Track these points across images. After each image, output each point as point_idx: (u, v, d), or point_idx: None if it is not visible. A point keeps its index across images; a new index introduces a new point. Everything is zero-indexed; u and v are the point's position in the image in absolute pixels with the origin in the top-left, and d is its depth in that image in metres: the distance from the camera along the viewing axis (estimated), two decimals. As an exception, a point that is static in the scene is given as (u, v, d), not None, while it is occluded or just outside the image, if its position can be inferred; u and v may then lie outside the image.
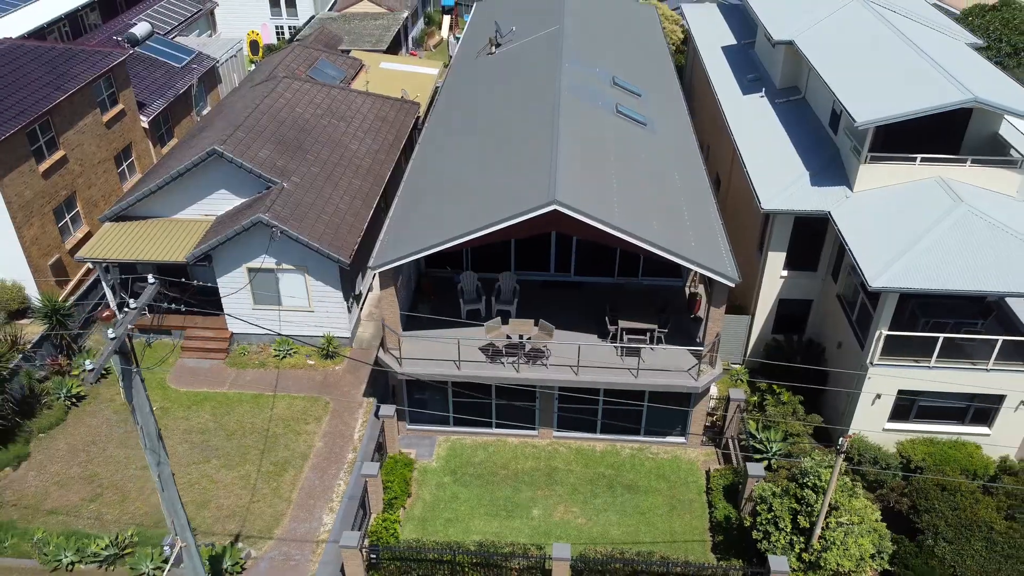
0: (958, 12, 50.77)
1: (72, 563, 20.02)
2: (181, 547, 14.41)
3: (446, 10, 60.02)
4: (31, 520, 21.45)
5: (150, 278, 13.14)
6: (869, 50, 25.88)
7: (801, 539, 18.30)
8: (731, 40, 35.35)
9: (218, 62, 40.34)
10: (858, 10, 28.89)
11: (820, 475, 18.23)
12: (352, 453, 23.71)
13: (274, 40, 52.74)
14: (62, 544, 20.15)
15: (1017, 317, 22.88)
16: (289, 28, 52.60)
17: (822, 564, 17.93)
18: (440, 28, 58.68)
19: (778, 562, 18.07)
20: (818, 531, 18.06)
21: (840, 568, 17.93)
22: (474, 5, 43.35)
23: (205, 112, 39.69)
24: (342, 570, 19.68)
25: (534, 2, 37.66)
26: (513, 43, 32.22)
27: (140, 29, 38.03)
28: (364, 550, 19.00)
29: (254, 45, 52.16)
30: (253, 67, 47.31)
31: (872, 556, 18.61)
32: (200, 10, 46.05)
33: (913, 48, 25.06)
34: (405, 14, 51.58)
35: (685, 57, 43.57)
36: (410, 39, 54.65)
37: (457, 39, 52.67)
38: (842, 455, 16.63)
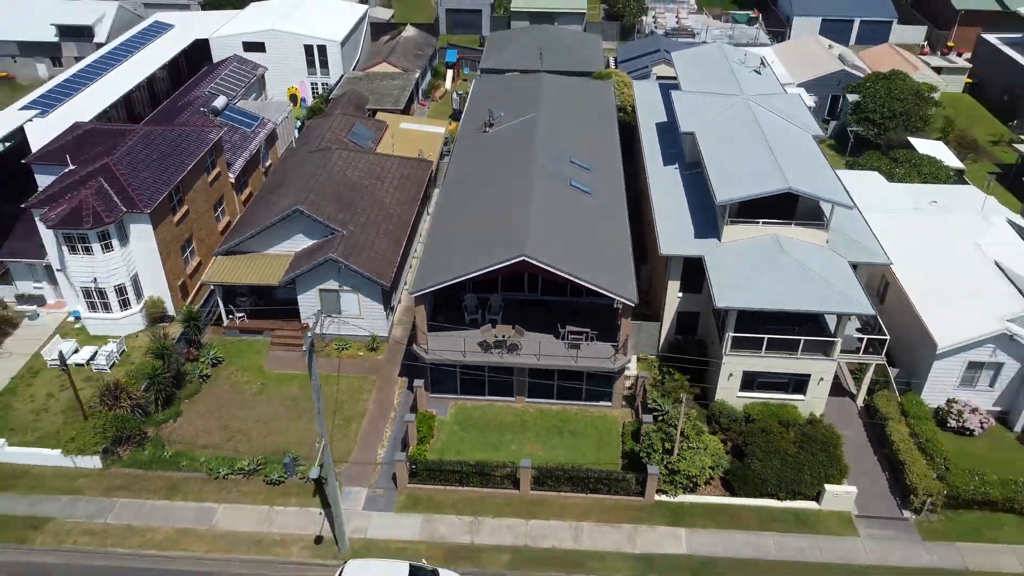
0: (862, 76, 62.67)
1: (226, 474, 32.48)
2: (324, 444, 26.60)
3: (449, 64, 72.42)
4: (193, 452, 33.86)
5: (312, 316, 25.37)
6: (739, 143, 38.31)
7: (667, 457, 30.83)
8: (663, 116, 47.74)
9: (276, 124, 52.69)
10: (742, 108, 41.33)
11: (676, 419, 30.77)
12: (393, 412, 36.18)
13: (310, 95, 64.98)
14: (220, 463, 32.62)
15: (827, 324, 35.38)
16: (323, 84, 64.84)
17: (678, 470, 30.49)
18: (445, 80, 70.98)
19: (652, 469, 30.63)
20: (676, 452, 30.57)
21: (689, 472, 30.47)
22: (473, 81, 55.80)
23: (268, 164, 52.06)
24: (393, 478, 32.14)
25: (518, 86, 50.15)
26: (502, 125, 44.68)
27: (219, 101, 50.33)
28: (407, 463, 31.48)
29: (293, 98, 64.56)
30: (298, 123, 59.45)
31: (711, 468, 31.14)
32: (255, 77, 58.29)
33: (765, 143, 37.49)
34: (417, 74, 64.01)
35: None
36: (420, 92, 67.03)
37: (459, 94, 65.05)
38: (682, 406, 29.11)
